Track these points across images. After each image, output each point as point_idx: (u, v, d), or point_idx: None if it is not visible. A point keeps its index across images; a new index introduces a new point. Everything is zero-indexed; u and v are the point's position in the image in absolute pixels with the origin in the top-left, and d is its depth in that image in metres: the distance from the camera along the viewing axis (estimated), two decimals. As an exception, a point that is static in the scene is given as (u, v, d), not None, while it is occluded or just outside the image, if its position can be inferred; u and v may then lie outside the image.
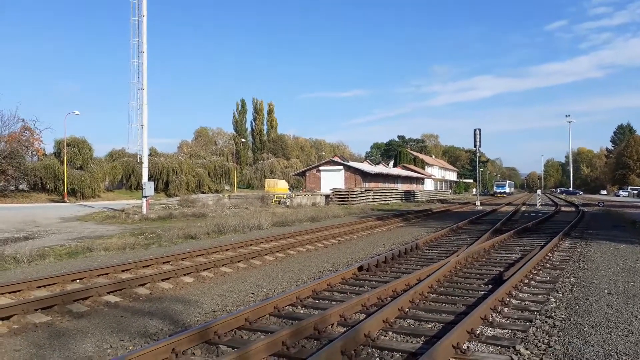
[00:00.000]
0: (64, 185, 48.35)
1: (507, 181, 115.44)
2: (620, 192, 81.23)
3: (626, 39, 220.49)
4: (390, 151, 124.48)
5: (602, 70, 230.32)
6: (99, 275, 8.98)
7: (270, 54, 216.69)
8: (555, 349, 4.96)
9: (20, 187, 49.65)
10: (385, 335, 5.55)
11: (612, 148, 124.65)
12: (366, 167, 60.04)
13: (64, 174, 48.51)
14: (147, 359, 4.55)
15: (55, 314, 6.61)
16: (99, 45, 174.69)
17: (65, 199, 47.50)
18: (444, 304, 6.95)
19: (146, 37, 25.62)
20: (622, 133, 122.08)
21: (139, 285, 8.25)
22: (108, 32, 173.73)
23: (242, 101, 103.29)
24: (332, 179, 52.70)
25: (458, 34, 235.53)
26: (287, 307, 6.78)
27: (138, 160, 28.24)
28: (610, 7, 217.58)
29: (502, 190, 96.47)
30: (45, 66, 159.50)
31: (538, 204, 37.81)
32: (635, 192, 74.10)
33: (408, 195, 56.67)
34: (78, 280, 8.62)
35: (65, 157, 49.81)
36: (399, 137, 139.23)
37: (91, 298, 7.34)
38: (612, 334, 5.41)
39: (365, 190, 45.10)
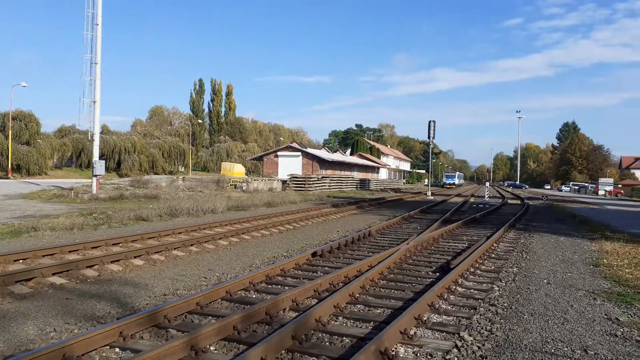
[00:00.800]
0: (8, 161, 46.03)
1: (457, 173, 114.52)
2: (563, 187, 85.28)
3: (576, 40, 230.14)
4: (348, 139, 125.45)
5: (553, 69, 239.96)
6: (44, 256, 8.66)
7: (232, 34, 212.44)
8: (496, 335, 5.21)
9: (-41, 161, 46.95)
10: (335, 321, 5.66)
11: (558, 145, 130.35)
12: (324, 154, 60.28)
13: (8, 149, 46.13)
14: (94, 342, 4.47)
15: (-5, 295, 6.34)
16: (50, 15, 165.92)
17: (10, 175, 45.27)
18: (393, 290, 7.15)
19: (101, 9, 24.53)
20: (567, 131, 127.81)
21: (87, 267, 8.03)
22: (61, 2, 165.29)
23: (200, 81, 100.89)
24: (289, 165, 52.66)
25: (419, 25, 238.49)
26: (239, 292, 6.78)
27: (89, 138, 27.21)
28: (563, 8, 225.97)
29: (451, 182, 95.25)
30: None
31: (486, 196, 39.18)
32: (576, 187, 78.00)
33: (363, 184, 57.39)
34: (21, 261, 8.28)
35: (10, 132, 47.35)
36: (356, 125, 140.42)
37: (35, 279, 7.09)
38: (550, 322, 5.73)
39: (322, 177, 45.34)
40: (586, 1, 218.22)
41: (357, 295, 6.64)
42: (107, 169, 50.78)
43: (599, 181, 70.09)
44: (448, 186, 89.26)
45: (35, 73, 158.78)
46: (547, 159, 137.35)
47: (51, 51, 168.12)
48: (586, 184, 79.41)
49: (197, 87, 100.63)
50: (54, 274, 7.43)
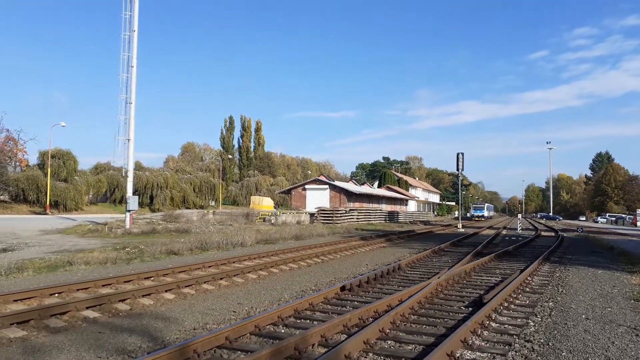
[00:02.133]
0: (46, 197, 47.66)
1: (486, 204, 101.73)
2: (599, 219, 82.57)
3: (605, 71, 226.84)
4: (375, 172, 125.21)
5: (582, 100, 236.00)
6: (78, 290, 8.85)
7: (260, 73, 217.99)
8: (532, 372, 5.02)
9: (1, 197, 48.79)
10: (365, 357, 5.57)
11: (591, 175, 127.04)
12: (351, 187, 60.26)
13: (47, 185, 47.83)
14: (125, 376, 4.50)
15: (31, 329, 6.50)
16: (88, 58, 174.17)
17: (48, 211, 46.77)
18: (424, 326, 6.99)
19: (136, 51, 25.67)
20: (601, 161, 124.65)
21: (119, 301, 8.15)
22: (98, 45, 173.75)
23: (231, 118, 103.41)
24: (317, 198, 52.78)
25: (444, 58, 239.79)
26: (268, 326, 6.76)
27: (123, 174, 28.06)
28: (590, 40, 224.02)
29: (480, 214, 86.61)
30: (32, 76, 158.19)
31: (519, 228, 38.24)
32: (613, 219, 75.39)
33: (392, 216, 56.90)
34: (56, 295, 8.49)
35: (49, 169, 49.18)
36: (384, 158, 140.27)
37: (69, 313, 7.24)
38: (590, 359, 5.49)
39: (350, 210, 45.20)
40: (614, 32, 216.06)
41: (388, 330, 6.53)
42: (140, 204, 51.92)
43: (638, 212, 67.56)
44: (477, 219, 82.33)
45: (74, 112, 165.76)
46: (581, 190, 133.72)
47: (89, 91, 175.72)
48: (623, 215, 76.64)
49: (228, 123, 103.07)
50: (87, 308, 7.57)
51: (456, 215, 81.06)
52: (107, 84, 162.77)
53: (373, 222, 48.17)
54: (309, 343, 5.81)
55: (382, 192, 72.64)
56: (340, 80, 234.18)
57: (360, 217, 46.22)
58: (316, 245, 19.17)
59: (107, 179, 59.21)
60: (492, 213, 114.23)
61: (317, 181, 57.48)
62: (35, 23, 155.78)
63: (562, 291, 9.95)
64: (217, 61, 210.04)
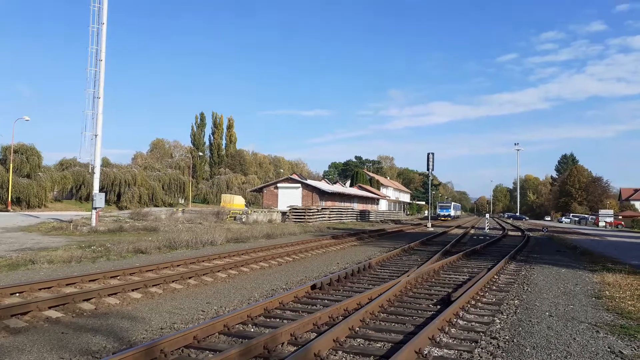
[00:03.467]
0: (8, 193, 46.07)
1: (452, 203, 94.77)
2: (563, 219, 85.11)
3: (570, 74, 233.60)
4: (347, 171, 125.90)
5: (549, 102, 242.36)
6: (40, 289, 8.58)
7: (232, 69, 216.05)
8: (497, 369, 5.12)
9: (-42, 194, 46.96)
10: (335, 355, 5.57)
11: (557, 176, 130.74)
12: (324, 185, 60.41)
13: (9, 182, 46.23)
14: (89, 377, 4.38)
15: (-10, 330, 6.26)
16: (53, 50, 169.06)
17: (9, 208, 45.24)
18: (393, 324, 7.06)
19: (105, 45, 25.06)
20: (566, 162, 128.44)
21: (84, 300, 7.94)
22: (65, 37, 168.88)
23: (202, 114, 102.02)
24: (289, 197, 52.68)
25: (414, 60, 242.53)
26: (237, 326, 6.70)
27: (90, 171, 27.32)
28: (557, 44, 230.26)
29: (446, 213, 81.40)
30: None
31: (486, 228, 39.04)
32: (577, 219, 77.83)
33: (363, 215, 57.29)
34: (17, 294, 8.20)
35: (11, 164, 47.55)
36: (356, 157, 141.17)
37: (31, 313, 7.00)
38: (552, 355, 5.64)
39: (322, 208, 45.29)
40: (579, 37, 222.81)
41: (357, 328, 6.56)
42: (107, 201, 50.79)
43: (599, 212, 69.88)
44: (443, 219, 77.22)
45: (38, 107, 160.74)
46: (547, 191, 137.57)
47: (54, 85, 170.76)
48: (586, 216, 79.21)
49: (199, 120, 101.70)
50: (50, 308, 7.34)
51: (426, 215, 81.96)
52: (74, 78, 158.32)
53: (345, 220, 48.40)
54: (279, 342, 5.78)
55: (354, 191, 73.06)
56: (313, 78, 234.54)
57: (332, 216, 46.37)
58: (287, 244, 19.12)
59: (72, 175, 57.65)
60: (459, 212, 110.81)
61: (290, 180, 57.39)
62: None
63: (527, 289, 10.20)
64: (188, 57, 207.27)
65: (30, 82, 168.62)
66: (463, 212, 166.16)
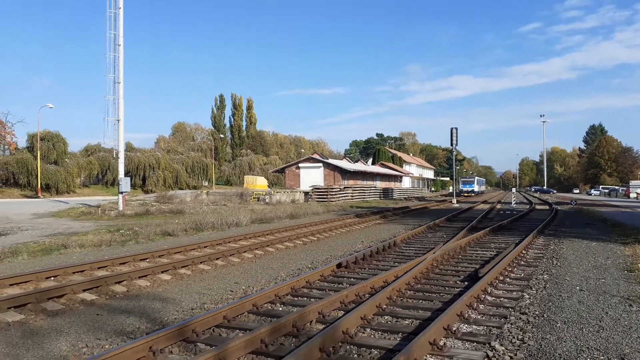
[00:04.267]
0: (37, 180, 47.30)
1: (476, 177, 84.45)
2: (592, 191, 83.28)
3: (597, 42, 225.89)
4: (369, 149, 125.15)
5: (575, 72, 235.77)
6: (74, 273, 8.84)
7: (250, 50, 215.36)
8: (529, 344, 5.08)
9: (-8, 181, 48.39)
10: (363, 332, 5.60)
11: (585, 148, 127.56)
12: (345, 164, 60.23)
13: (37, 168, 47.42)
14: (124, 357, 4.51)
15: (28, 312, 6.49)
16: (74, 38, 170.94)
17: (39, 194, 46.46)
18: (420, 301, 7.05)
19: (123, 30, 25.19)
20: (594, 133, 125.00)
21: (116, 283, 8.15)
22: (83, 24, 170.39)
23: (221, 96, 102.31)
24: (311, 176, 52.74)
25: (433, 33, 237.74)
26: (265, 305, 6.79)
27: (114, 156, 27.80)
28: (582, 11, 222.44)
29: (469, 189, 73.52)
30: (17, 58, 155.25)
31: (513, 202, 38.50)
32: (606, 191, 76.04)
33: (386, 193, 57.07)
34: (52, 278, 8.47)
35: (38, 152, 48.69)
36: (377, 135, 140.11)
37: (66, 296, 7.23)
38: (584, 330, 5.56)
39: (344, 187, 45.26)
40: (605, 3, 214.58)
41: (384, 306, 6.57)
42: (132, 185, 51.70)
43: (630, 184, 68.11)
44: (466, 194, 69.74)
45: (61, 94, 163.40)
46: (575, 163, 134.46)
47: (76, 72, 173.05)
48: (616, 187, 77.26)
49: (218, 102, 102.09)
50: (84, 290, 7.57)
51: (450, 191, 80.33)
52: (95, 64, 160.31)
53: (367, 199, 48.32)
54: (307, 320, 5.84)
55: (376, 169, 72.72)
56: (330, 56, 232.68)
57: (354, 194, 46.32)
58: (311, 223, 19.21)
59: (98, 160, 58.74)
60: (483, 187, 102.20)
61: (311, 159, 57.37)
62: (18, 3, 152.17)
63: (556, 264, 10.04)
64: (206, 39, 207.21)
65: (52, 70, 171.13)
66: (488, 187, 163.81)
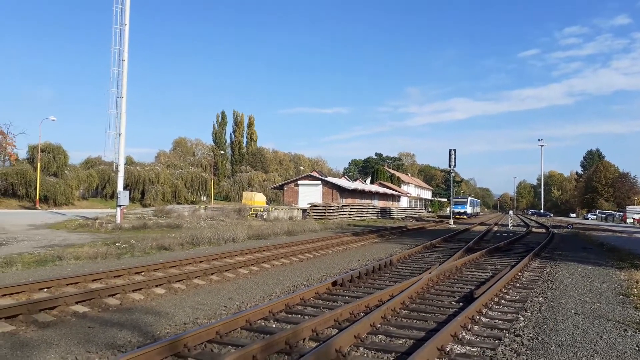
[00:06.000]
0: (36, 191, 47.22)
1: (469, 197, 77.86)
2: (589, 215, 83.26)
3: (595, 69, 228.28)
4: (367, 168, 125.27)
5: (573, 98, 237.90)
6: (67, 285, 8.79)
7: (253, 68, 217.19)
8: (521, 367, 5.04)
9: (-11, 192, 48.32)
10: (356, 351, 5.57)
11: (582, 172, 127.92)
12: (344, 182, 60.29)
13: (36, 180, 47.38)
14: (114, 370, 4.47)
15: (19, 324, 6.44)
16: (78, 52, 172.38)
17: (37, 205, 46.37)
18: (415, 321, 7.01)
19: (128, 45, 25.45)
20: (592, 158, 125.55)
21: (109, 296, 8.10)
22: (87, 39, 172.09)
23: (223, 113, 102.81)
24: (309, 194, 52.73)
25: (432, 57, 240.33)
26: (259, 321, 6.75)
27: (114, 169, 27.77)
28: (580, 39, 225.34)
29: (461, 210, 65.24)
30: (21, 70, 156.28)
31: (510, 225, 38.45)
32: (603, 215, 76.06)
33: (384, 212, 57.01)
34: (45, 289, 8.42)
35: (39, 163, 48.71)
36: (376, 154, 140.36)
37: (58, 308, 7.17)
38: (578, 354, 5.53)
39: (342, 205, 45.23)
40: (603, 31, 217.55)
41: (379, 325, 6.54)
42: (131, 199, 51.62)
43: (627, 209, 68.11)
44: (457, 217, 57.63)
45: (64, 106, 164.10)
46: (572, 187, 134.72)
47: (80, 86, 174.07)
48: (613, 212, 77.27)
49: (220, 119, 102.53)
50: (77, 303, 7.51)
51: (448, 212, 79.07)
52: (98, 78, 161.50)
53: (365, 218, 48.25)
54: (300, 337, 5.80)
55: (375, 188, 72.73)
56: (333, 76, 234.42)
57: (352, 213, 46.27)
58: (308, 240, 19.16)
59: (98, 173, 58.76)
60: (477, 209, 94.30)
61: (310, 177, 57.43)
62: (23, 17, 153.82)
63: (552, 286, 10.02)
64: (209, 56, 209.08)
65: (55, 83, 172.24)
66: (485, 209, 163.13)
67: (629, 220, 61.67)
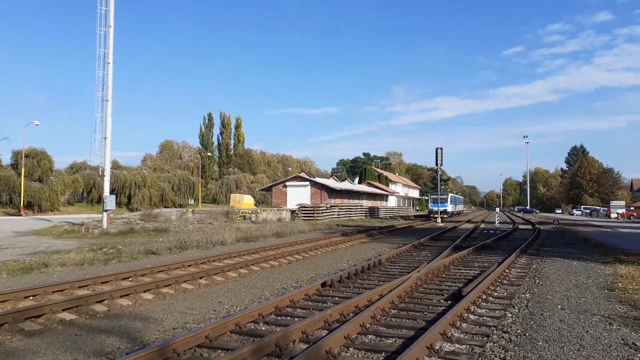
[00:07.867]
0: (20, 198, 46.56)
1: (449, 194, 66.13)
2: (574, 211, 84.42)
3: (578, 66, 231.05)
4: (355, 168, 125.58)
5: (557, 94, 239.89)
6: (54, 292, 8.68)
7: (240, 69, 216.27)
8: (510, 363, 5.10)
9: (-28, 199, 47.52)
10: (346, 352, 5.59)
11: (567, 168, 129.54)
12: (332, 183, 60.35)
13: (20, 186, 46.72)
14: (103, 378, 4.43)
15: (5, 333, 6.35)
16: (61, 55, 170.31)
17: (22, 212, 45.71)
18: (404, 320, 7.06)
19: (112, 48, 25.21)
20: (576, 154, 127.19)
21: (97, 302, 8.02)
22: (71, 42, 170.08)
23: (210, 115, 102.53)
24: (298, 195, 52.69)
25: (420, 55, 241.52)
26: (249, 324, 6.73)
27: (100, 174, 27.52)
28: (563, 36, 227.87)
29: (441, 209, 53.84)
30: (3, 75, 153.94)
31: (497, 222, 38.83)
32: (588, 211, 77.18)
33: (372, 212, 57.18)
34: (31, 297, 8.31)
35: (22, 169, 48.03)
36: (364, 154, 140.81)
37: (45, 316, 7.09)
38: (565, 348, 5.61)
39: (331, 206, 45.29)
40: (585, 28, 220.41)
41: (368, 325, 6.57)
42: (117, 203, 51.02)
43: (611, 204, 69.27)
44: (434, 216, 50.09)
45: (48, 111, 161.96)
46: (557, 183, 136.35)
47: (64, 90, 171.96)
48: (598, 207, 78.50)
49: (207, 120, 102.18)
50: (63, 310, 7.43)
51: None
52: (83, 82, 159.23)
53: (354, 218, 48.35)
54: (290, 340, 5.80)
55: (363, 188, 72.89)
56: (321, 76, 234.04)
57: (341, 213, 46.35)
58: (297, 242, 19.16)
59: (83, 178, 58.11)
60: (461, 207, 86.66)
61: (298, 178, 57.38)
62: (6, 20, 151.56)
63: (538, 282, 10.14)
64: (196, 58, 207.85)
65: (39, 87, 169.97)
66: (472, 207, 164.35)
67: (613, 215, 62.71)
